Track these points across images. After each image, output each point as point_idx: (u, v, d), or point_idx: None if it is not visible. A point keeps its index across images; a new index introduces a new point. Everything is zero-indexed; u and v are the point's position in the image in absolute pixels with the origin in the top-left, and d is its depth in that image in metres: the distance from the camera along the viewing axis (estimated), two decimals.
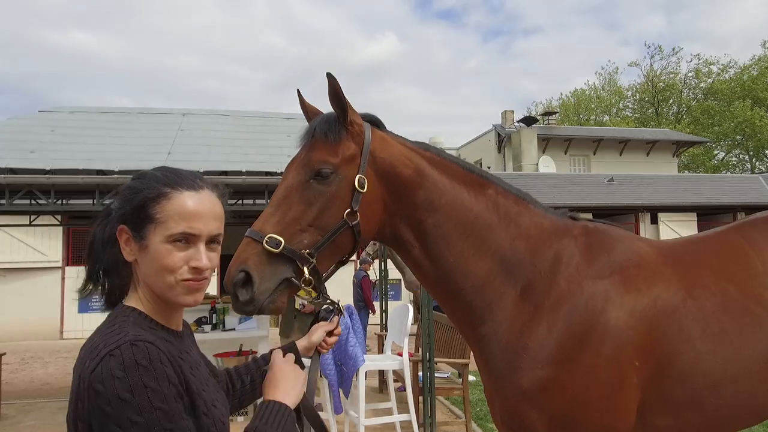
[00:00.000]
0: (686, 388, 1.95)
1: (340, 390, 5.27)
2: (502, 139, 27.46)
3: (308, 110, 2.09)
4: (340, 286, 10.38)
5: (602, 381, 1.87)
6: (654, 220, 16.99)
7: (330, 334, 1.81)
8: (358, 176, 1.86)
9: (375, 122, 2.06)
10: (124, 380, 1.05)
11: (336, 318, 1.87)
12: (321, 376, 5.28)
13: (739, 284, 2.06)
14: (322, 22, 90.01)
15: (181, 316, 1.33)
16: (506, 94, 78.66)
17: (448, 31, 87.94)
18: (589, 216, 15.56)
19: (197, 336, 6.14)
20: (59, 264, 14.47)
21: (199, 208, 1.27)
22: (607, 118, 44.83)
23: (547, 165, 25.65)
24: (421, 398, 5.75)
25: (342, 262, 1.95)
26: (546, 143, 27.54)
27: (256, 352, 6.79)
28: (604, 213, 17.00)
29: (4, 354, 7.35)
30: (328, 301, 1.87)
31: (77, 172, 5.02)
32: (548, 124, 30.38)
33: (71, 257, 14.48)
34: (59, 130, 6.07)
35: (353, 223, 1.84)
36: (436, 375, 6.40)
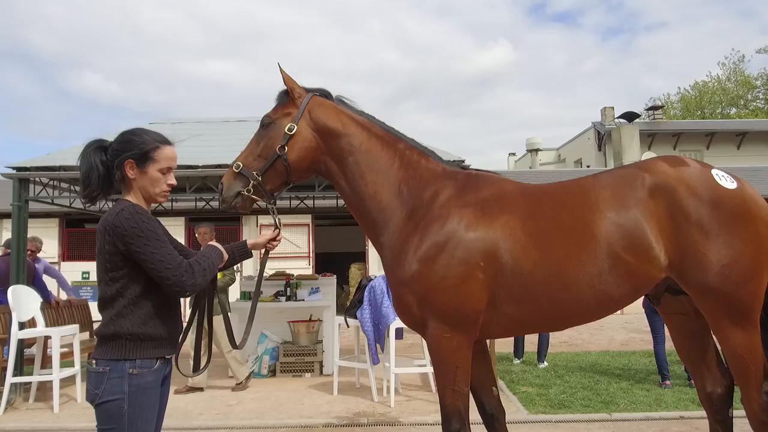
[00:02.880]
0: (523, 285, 2.67)
1: (377, 345, 6.21)
2: (602, 137, 26.74)
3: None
4: None
5: (454, 275, 2.66)
6: None
7: (273, 240, 2.79)
8: (288, 124, 2.84)
9: (324, 94, 3.04)
10: (131, 218, 2.09)
11: (278, 230, 2.85)
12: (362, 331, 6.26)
13: (572, 210, 2.74)
14: (434, 35, 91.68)
15: (149, 209, 2.38)
16: (627, 93, 74.59)
17: (563, 34, 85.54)
18: None
19: (274, 305, 7.28)
20: None
21: (173, 155, 2.35)
22: (735, 110, 41.35)
23: None
24: None
25: (286, 184, 2.93)
26: (651, 139, 26.37)
27: (321, 320, 7.92)
28: None
29: None
30: (276, 220, 2.87)
31: None
32: (654, 119, 29.03)
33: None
34: None
35: (282, 154, 2.82)
36: None
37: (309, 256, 15.28)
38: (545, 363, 7.74)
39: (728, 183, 2.72)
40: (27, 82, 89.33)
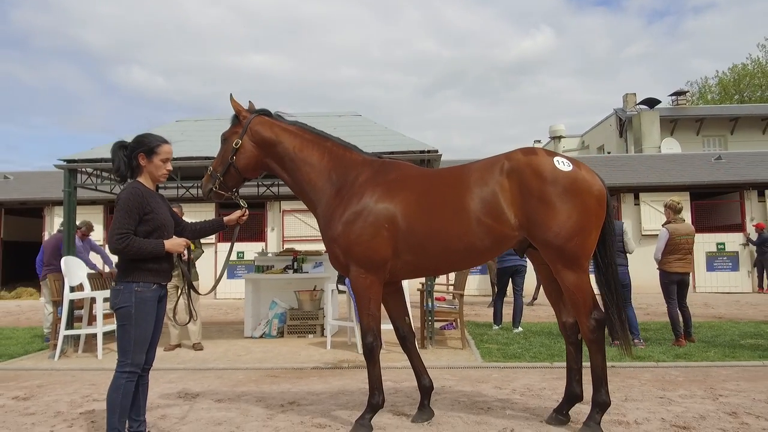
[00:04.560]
0: (416, 240, 3.74)
1: None
2: (623, 123, 27.02)
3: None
4: None
5: (366, 233, 3.75)
6: (762, 197, 16.29)
7: (242, 217, 3.94)
8: (235, 140, 3.97)
9: (266, 113, 4.13)
10: (124, 195, 3.24)
11: (245, 209, 3.98)
12: (349, 296, 7.39)
13: (451, 188, 3.78)
14: (473, 24, 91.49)
15: (155, 187, 3.53)
16: (672, 77, 72.73)
17: (606, 18, 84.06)
18: (686, 195, 15.57)
19: (283, 276, 8.56)
20: (212, 240, 16.79)
21: (170, 150, 3.50)
22: None
23: (671, 147, 24.75)
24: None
25: (241, 181, 4.07)
26: (674, 125, 26.53)
27: (323, 290, 9.09)
28: (706, 192, 16.75)
29: None
30: (241, 203, 4.01)
31: (191, 158, 7.68)
32: (677, 104, 29.06)
33: (221, 235, 17.72)
34: (186, 133, 8.93)
35: (233, 162, 3.95)
36: (445, 306, 8.19)
37: None
38: (520, 328, 8.73)
39: (565, 167, 3.70)
40: (78, 78, 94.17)
